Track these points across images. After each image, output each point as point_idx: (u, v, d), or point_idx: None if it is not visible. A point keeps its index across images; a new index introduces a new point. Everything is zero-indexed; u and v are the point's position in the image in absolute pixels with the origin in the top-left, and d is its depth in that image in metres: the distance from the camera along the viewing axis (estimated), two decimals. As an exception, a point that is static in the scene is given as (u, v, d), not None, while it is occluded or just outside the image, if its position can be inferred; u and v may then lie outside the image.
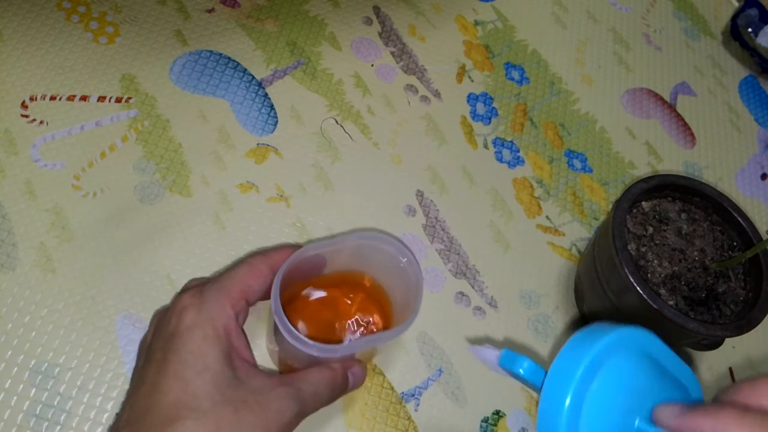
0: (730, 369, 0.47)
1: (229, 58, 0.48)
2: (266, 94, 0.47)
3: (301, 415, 0.31)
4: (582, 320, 0.45)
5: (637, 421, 0.22)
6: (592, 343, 0.22)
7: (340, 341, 0.37)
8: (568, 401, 0.21)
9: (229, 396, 0.29)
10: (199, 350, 0.29)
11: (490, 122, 0.52)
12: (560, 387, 0.22)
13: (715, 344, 0.42)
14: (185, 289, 0.34)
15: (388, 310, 0.37)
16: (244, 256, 0.39)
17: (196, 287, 0.33)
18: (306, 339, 0.30)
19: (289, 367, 0.36)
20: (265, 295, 0.33)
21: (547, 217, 0.49)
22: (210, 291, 0.32)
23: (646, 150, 0.55)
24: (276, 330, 0.31)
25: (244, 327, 0.33)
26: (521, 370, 0.25)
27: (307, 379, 0.32)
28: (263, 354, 0.39)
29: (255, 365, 0.32)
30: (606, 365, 0.22)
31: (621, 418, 0.22)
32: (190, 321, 0.30)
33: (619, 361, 0.23)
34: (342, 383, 0.33)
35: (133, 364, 0.37)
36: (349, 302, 0.38)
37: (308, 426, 0.37)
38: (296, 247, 0.34)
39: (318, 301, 0.37)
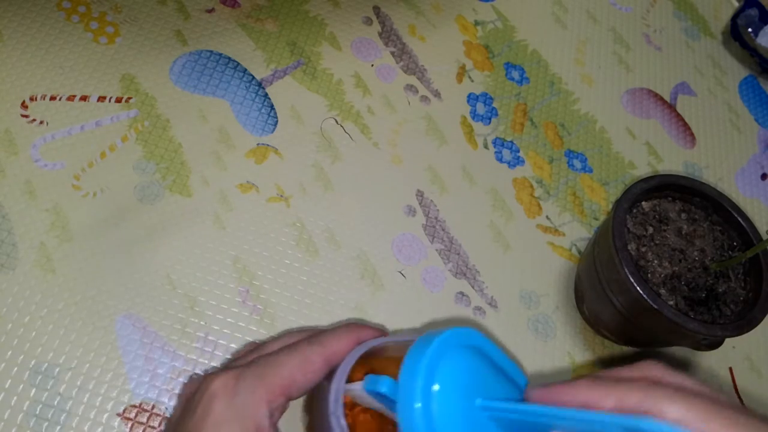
0: (730, 369, 0.47)
1: (229, 58, 0.48)
2: (266, 94, 0.47)
3: None
4: (582, 320, 0.45)
5: (478, 401, 0.25)
6: (425, 349, 0.24)
7: None
8: (418, 405, 0.23)
9: None
10: None
11: (490, 122, 0.52)
12: (409, 395, 0.24)
13: (715, 344, 0.42)
14: (224, 368, 0.30)
15: None
16: (294, 334, 0.32)
17: (234, 370, 0.28)
18: None
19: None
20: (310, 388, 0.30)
21: (547, 217, 0.49)
22: (246, 380, 0.27)
23: (646, 150, 0.55)
24: (319, 423, 0.29)
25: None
26: (384, 388, 0.26)
27: None
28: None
29: None
30: (441, 364, 0.24)
31: (465, 403, 0.25)
32: (219, 415, 0.27)
33: (452, 358, 0.25)
34: None
35: (133, 363, 0.37)
36: None
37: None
38: (357, 330, 0.30)
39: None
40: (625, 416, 0.20)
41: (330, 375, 0.29)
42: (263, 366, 0.28)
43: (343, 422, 0.27)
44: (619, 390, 0.22)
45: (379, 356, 0.31)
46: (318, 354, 0.29)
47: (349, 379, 0.29)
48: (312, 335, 0.30)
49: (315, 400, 0.31)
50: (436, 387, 0.24)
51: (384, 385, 0.26)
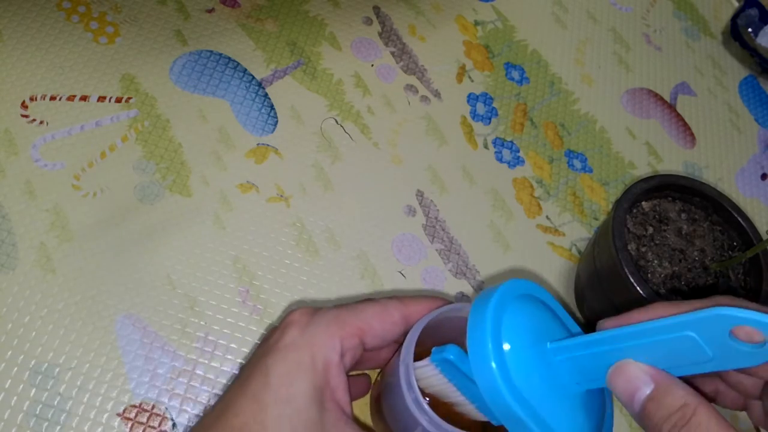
0: (730, 369, 0.47)
1: (229, 58, 0.48)
2: (266, 94, 0.47)
3: None
4: (582, 320, 0.45)
5: (549, 345, 0.25)
6: (486, 307, 0.24)
7: None
8: (493, 364, 0.23)
9: None
10: (287, 375, 0.25)
11: (490, 122, 0.52)
12: (482, 356, 0.23)
13: (715, 344, 0.42)
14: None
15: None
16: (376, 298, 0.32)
17: (315, 308, 0.28)
18: (437, 417, 0.25)
19: (379, 412, 0.32)
20: (385, 346, 0.29)
21: (547, 217, 0.49)
22: (323, 315, 0.27)
23: (646, 150, 0.55)
24: (392, 389, 0.28)
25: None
26: (451, 355, 0.26)
27: None
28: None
29: (349, 415, 0.27)
30: (505, 319, 0.24)
31: (536, 351, 0.25)
32: (289, 340, 0.26)
33: (513, 310, 0.25)
34: None
35: (133, 363, 0.37)
36: None
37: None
38: (441, 301, 0.29)
39: None
40: (706, 310, 0.20)
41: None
42: (344, 307, 0.28)
43: (414, 382, 0.26)
44: (694, 305, 0.22)
45: (434, 338, 0.30)
46: (397, 308, 0.28)
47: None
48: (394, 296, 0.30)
49: (384, 397, 0.30)
50: (506, 346, 0.24)
51: (450, 352, 0.26)
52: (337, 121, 0.48)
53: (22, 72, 0.44)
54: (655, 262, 0.39)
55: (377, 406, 0.32)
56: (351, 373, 0.30)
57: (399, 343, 0.30)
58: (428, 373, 0.27)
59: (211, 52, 0.48)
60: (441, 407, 0.28)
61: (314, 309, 0.28)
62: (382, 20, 0.54)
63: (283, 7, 0.52)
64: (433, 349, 0.27)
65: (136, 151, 0.43)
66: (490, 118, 0.52)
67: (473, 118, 0.51)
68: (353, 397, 0.31)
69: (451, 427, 0.25)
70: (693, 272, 0.40)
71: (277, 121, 0.47)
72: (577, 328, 0.27)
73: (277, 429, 0.24)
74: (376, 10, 0.54)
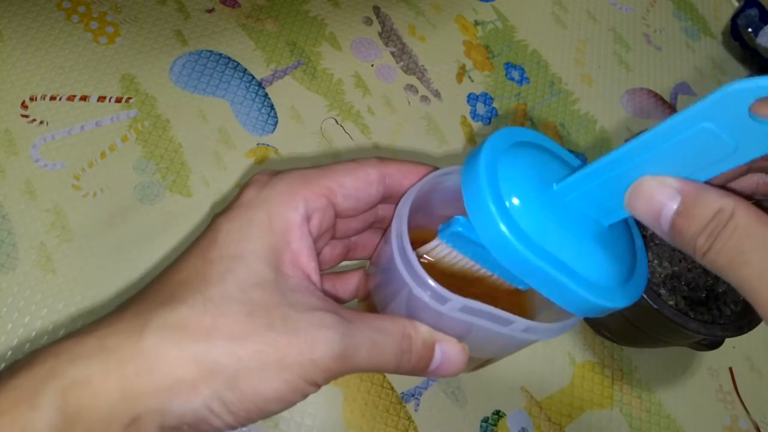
0: (730, 369, 0.47)
1: (229, 58, 0.48)
2: (266, 94, 0.47)
3: (345, 361, 0.21)
4: (582, 320, 0.45)
5: (555, 186, 0.22)
6: (477, 160, 0.22)
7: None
8: (501, 224, 0.21)
9: (252, 297, 0.21)
10: (237, 232, 0.22)
11: (490, 122, 0.52)
12: (482, 211, 0.21)
13: (715, 344, 0.42)
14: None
15: (523, 298, 0.28)
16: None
17: (279, 171, 0.25)
18: (422, 270, 0.22)
19: (369, 306, 0.28)
20: (365, 211, 0.25)
21: (547, 217, 0.49)
22: (286, 174, 0.24)
23: (646, 150, 0.55)
24: (382, 272, 0.25)
25: None
26: (458, 227, 0.23)
27: (374, 324, 0.22)
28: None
29: (316, 283, 0.23)
30: (501, 170, 0.22)
31: (543, 195, 0.22)
32: (245, 199, 0.23)
33: (509, 160, 0.23)
34: (421, 352, 0.24)
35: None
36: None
37: (306, 426, 0.37)
38: (426, 167, 0.26)
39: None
40: (717, 90, 0.18)
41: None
42: (310, 168, 0.24)
43: (405, 229, 0.23)
44: None
45: (423, 213, 0.27)
46: (374, 166, 0.25)
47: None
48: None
49: (374, 289, 0.27)
50: (513, 201, 0.21)
51: (458, 224, 0.23)
52: (337, 121, 0.48)
53: (22, 72, 0.44)
54: (655, 262, 0.39)
55: (366, 305, 0.29)
56: (340, 269, 0.28)
57: (376, 207, 0.26)
58: (440, 253, 0.25)
59: (211, 52, 0.48)
60: (470, 288, 0.25)
61: (276, 171, 0.24)
62: (382, 20, 0.54)
63: (283, 7, 0.52)
64: (440, 226, 0.24)
65: (136, 151, 0.43)
66: (490, 118, 0.52)
67: (473, 118, 0.51)
68: (343, 295, 0.28)
69: (440, 287, 0.22)
70: (693, 272, 0.40)
71: (277, 121, 0.47)
72: (579, 162, 0.25)
73: (220, 284, 0.21)
74: (376, 10, 0.54)
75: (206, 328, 0.20)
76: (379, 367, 0.23)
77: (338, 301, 0.29)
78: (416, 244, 0.24)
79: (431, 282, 0.22)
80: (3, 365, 0.35)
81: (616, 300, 0.23)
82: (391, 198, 0.26)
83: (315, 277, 0.23)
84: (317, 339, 0.21)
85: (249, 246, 0.22)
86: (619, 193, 0.21)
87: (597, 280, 0.22)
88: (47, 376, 0.19)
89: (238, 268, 0.21)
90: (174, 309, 0.20)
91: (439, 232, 0.24)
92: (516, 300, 0.27)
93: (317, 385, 0.21)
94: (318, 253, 0.24)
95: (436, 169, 0.26)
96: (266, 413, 0.21)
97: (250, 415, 0.21)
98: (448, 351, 0.24)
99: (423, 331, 0.24)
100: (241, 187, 0.24)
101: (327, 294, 0.25)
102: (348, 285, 0.29)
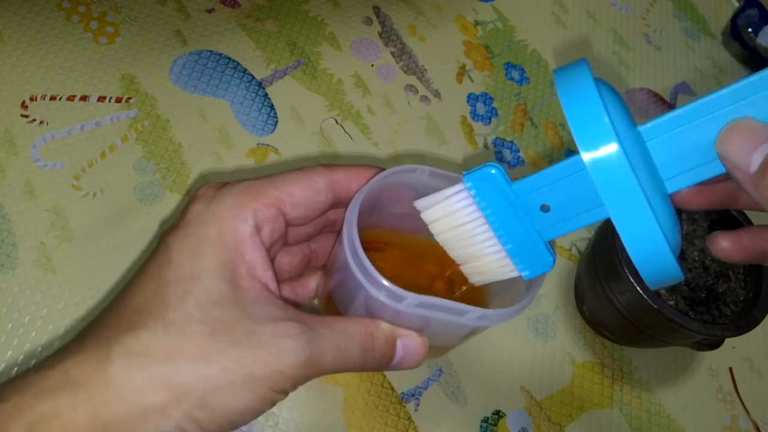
0: (730, 369, 0.47)
1: (229, 58, 0.48)
2: (266, 94, 0.47)
3: (311, 367, 0.22)
4: (582, 320, 0.45)
5: (640, 128, 0.21)
6: (583, 72, 0.21)
7: None
8: (606, 120, 0.19)
9: (213, 315, 0.21)
10: (190, 251, 0.22)
11: (490, 122, 0.52)
12: (598, 126, 0.20)
13: (715, 344, 0.42)
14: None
15: (475, 289, 0.28)
16: None
17: (224, 183, 0.25)
18: (376, 272, 0.22)
19: (330, 305, 0.28)
20: (315, 219, 0.26)
21: (547, 217, 0.49)
22: (231, 186, 0.24)
23: (646, 150, 0.55)
24: (339, 269, 0.25)
25: None
26: (493, 170, 0.23)
27: (336, 326, 0.23)
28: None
29: (275, 292, 0.23)
30: (599, 82, 0.21)
31: (631, 133, 0.21)
32: (192, 216, 0.23)
33: (600, 84, 0.22)
34: (384, 349, 0.24)
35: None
36: (436, 264, 0.28)
37: (307, 426, 0.37)
38: (374, 169, 0.26)
39: (397, 253, 0.28)
40: None
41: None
42: (256, 179, 0.24)
43: (356, 234, 0.23)
44: None
45: (376, 213, 0.27)
46: (321, 174, 0.25)
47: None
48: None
49: (333, 290, 0.27)
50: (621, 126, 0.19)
51: (491, 166, 0.23)
52: (337, 121, 0.48)
53: (22, 72, 0.44)
54: (655, 262, 0.39)
55: (327, 304, 0.29)
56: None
57: (326, 213, 0.27)
58: (456, 205, 0.24)
59: (211, 52, 0.48)
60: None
61: (221, 183, 0.24)
62: (382, 20, 0.54)
63: (283, 7, 0.52)
64: (464, 172, 0.24)
65: (136, 151, 0.43)
66: (490, 118, 0.52)
67: (473, 118, 0.51)
68: (304, 299, 0.29)
69: (394, 286, 0.22)
70: (693, 272, 0.40)
71: (277, 121, 0.47)
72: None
73: (180, 306, 0.21)
74: (376, 10, 0.54)
75: (170, 351, 0.20)
76: (345, 367, 0.23)
77: (299, 305, 0.29)
78: (371, 243, 0.25)
79: (385, 282, 0.22)
80: (2, 365, 0.35)
81: (676, 267, 0.21)
82: (341, 203, 0.26)
83: (273, 285, 0.23)
84: (282, 350, 0.21)
85: (203, 264, 0.22)
86: (708, 141, 0.20)
87: (669, 236, 0.21)
88: (13, 412, 0.19)
89: (195, 287, 0.21)
90: (136, 335, 0.20)
91: (464, 176, 0.24)
92: (468, 291, 0.27)
93: (286, 393, 0.22)
94: (272, 260, 0.25)
95: (383, 170, 0.26)
96: (237, 425, 0.21)
97: (221, 430, 0.21)
98: (409, 345, 0.25)
99: (384, 328, 0.24)
100: (187, 201, 0.24)
101: (287, 300, 0.25)
102: (307, 288, 0.30)
